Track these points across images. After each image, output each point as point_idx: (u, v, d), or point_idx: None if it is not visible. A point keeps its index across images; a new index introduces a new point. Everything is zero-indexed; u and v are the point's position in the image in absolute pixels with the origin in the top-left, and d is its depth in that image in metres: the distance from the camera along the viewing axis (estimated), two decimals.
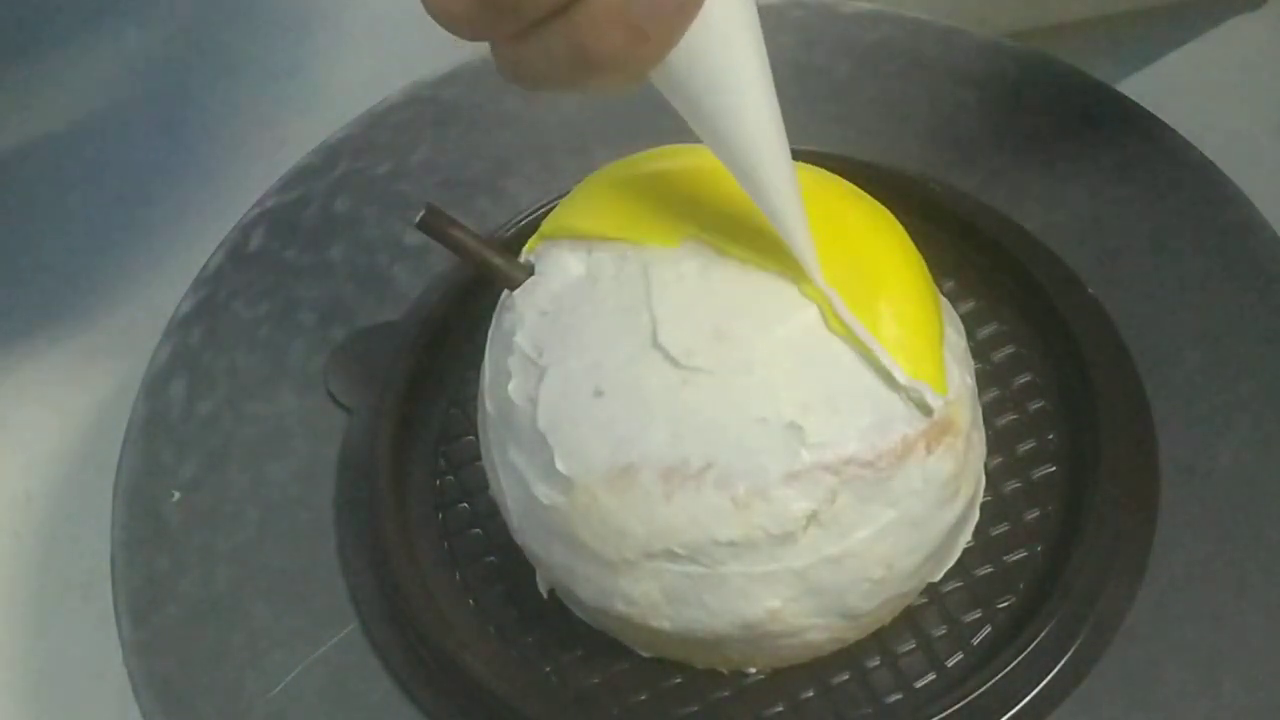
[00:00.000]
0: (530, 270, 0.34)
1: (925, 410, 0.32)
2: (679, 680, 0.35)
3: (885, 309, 0.32)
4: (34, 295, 0.47)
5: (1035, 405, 0.38)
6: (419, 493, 0.38)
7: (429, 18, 0.27)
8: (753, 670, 0.35)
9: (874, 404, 0.32)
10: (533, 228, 0.35)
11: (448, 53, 0.46)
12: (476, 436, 0.36)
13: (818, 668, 0.35)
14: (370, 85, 0.46)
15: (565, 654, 0.35)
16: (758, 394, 0.32)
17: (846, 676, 0.35)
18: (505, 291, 0.35)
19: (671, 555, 0.32)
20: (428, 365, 0.39)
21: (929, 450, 0.32)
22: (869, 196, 0.35)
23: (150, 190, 0.49)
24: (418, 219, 0.33)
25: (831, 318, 0.32)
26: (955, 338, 0.34)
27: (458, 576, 0.37)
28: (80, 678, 0.40)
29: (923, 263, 0.34)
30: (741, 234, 0.33)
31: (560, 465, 0.32)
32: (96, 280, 0.47)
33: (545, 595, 0.35)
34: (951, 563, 0.35)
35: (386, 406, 0.38)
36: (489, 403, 0.34)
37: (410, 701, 0.35)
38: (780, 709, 0.34)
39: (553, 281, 0.34)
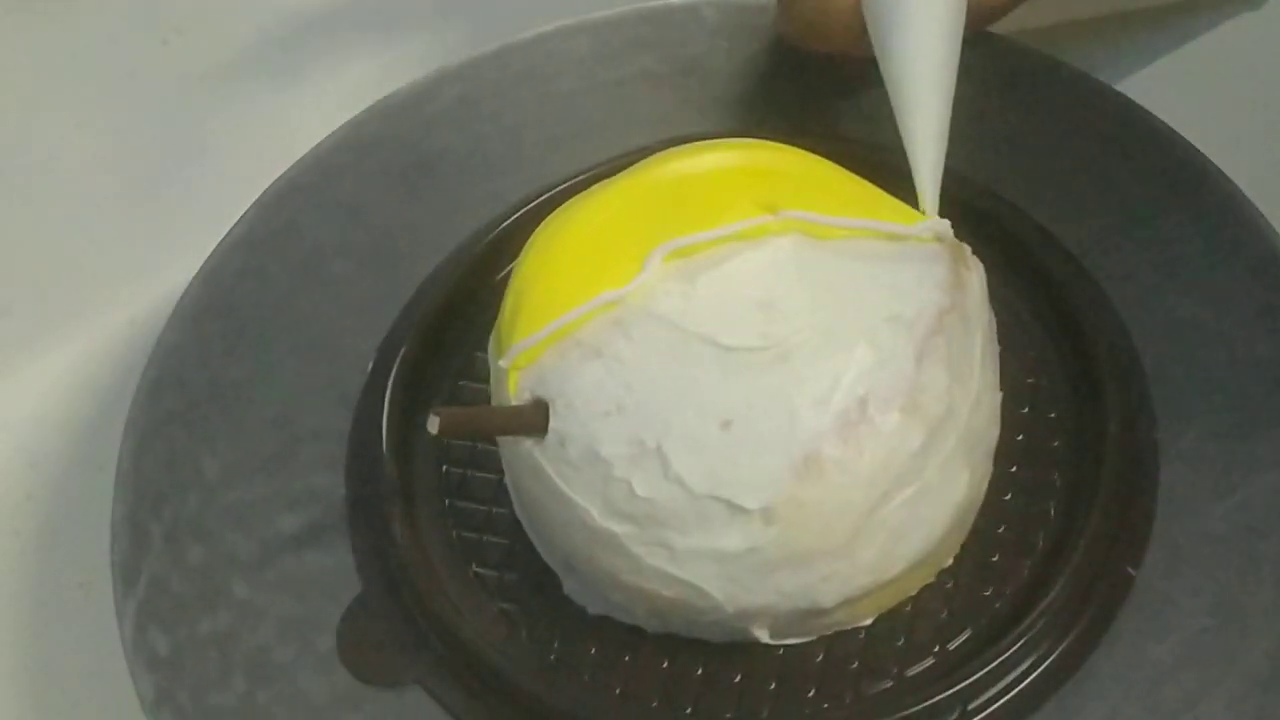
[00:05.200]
0: (544, 406, 0.33)
1: (941, 239, 0.34)
2: (902, 641, 0.34)
3: (840, 198, 0.34)
4: (34, 295, 0.47)
5: (1034, 380, 0.38)
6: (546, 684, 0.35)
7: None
8: (949, 562, 0.35)
9: (911, 262, 0.34)
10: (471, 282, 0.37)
11: (447, 53, 0.46)
12: (532, 636, 0.35)
13: (979, 534, 0.35)
14: (372, 84, 0.46)
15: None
16: (839, 321, 0.33)
17: (1003, 529, 0.35)
18: (524, 453, 0.34)
19: (887, 496, 0.32)
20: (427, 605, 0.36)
21: (968, 267, 0.34)
22: (752, 138, 0.36)
23: (150, 188, 0.49)
24: (435, 429, 0.32)
25: (817, 231, 0.33)
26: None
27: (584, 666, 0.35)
28: (80, 678, 0.39)
29: (818, 158, 0.36)
30: (693, 223, 0.34)
31: (748, 503, 0.31)
32: (97, 280, 0.47)
33: (768, 641, 0.34)
34: None
35: (452, 664, 0.35)
36: (614, 525, 0.33)
37: None
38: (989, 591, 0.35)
39: (581, 390, 0.33)
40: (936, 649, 0.34)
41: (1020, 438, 0.37)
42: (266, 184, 0.43)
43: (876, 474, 0.32)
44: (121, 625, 0.36)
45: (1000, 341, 0.37)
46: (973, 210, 0.39)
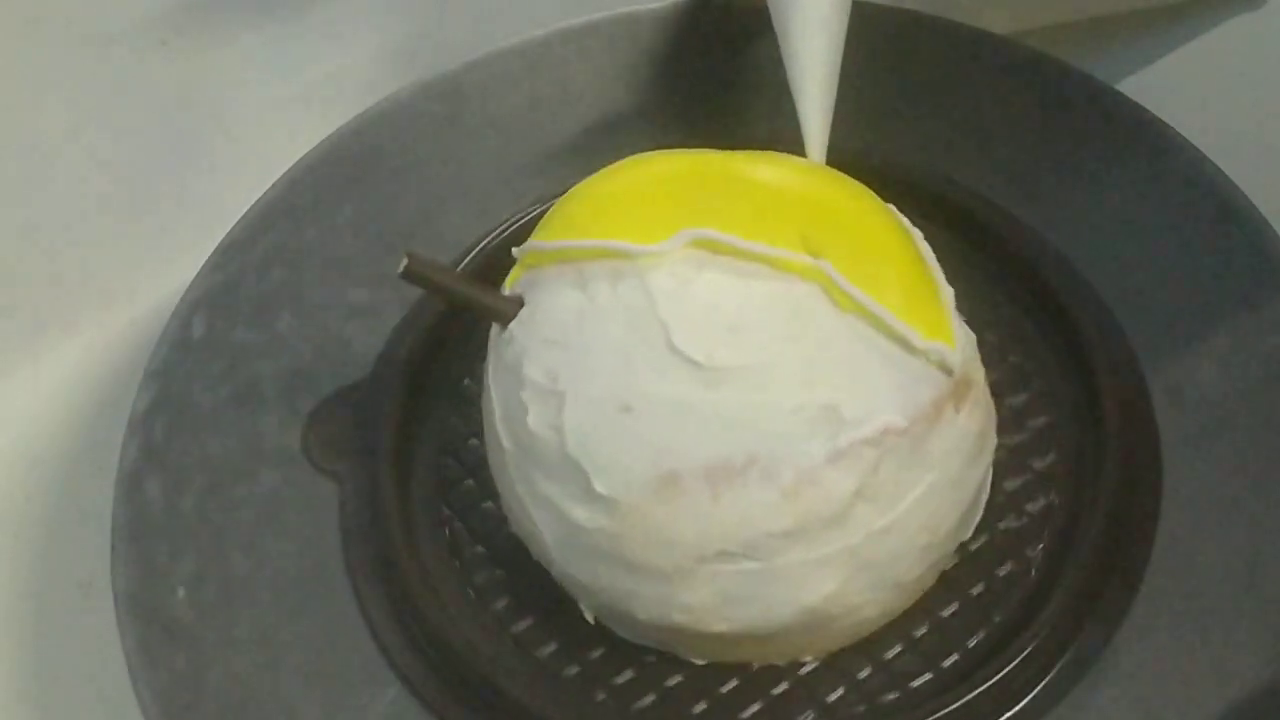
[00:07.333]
0: (520, 303, 0.34)
1: (947, 370, 0.33)
2: (736, 682, 0.35)
3: (886, 278, 0.33)
4: (34, 295, 0.47)
5: (1015, 357, 0.39)
6: (431, 544, 0.38)
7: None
8: (808, 659, 0.35)
9: (898, 372, 0.32)
10: (485, 263, 0.37)
11: (448, 55, 0.46)
12: (476, 480, 0.36)
13: (870, 645, 0.35)
14: (372, 84, 0.46)
15: (615, 677, 0.35)
16: (785, 381, 0.32)
17: (900, 648, 0.35)
18: (495, 329, 0.35)
19: (726, 555, 0.32)
20: (407, 417, 0.39)
21: (957, 409, 0.33)
22: (836, 171, 0.35)
23: (150, 189, 0.49)
24: (400, 269, 0.33)
25: (837, 295, 0.32)
26: (948, 293, 0.35)
27: (490, 620, 0.36)
28: (80, 678, 0.39)
29: (903, 226, 0.35)
30: (734, 225, 0.33)
31: (600, 487, 0.32)
32: (97, 280, 0.47)
33: (591, 622, 0.35)
34: (978, 519, 0.35)
35: (379, 464, 0.38)
36: (505, 439, 0.34)
37: None
38: (842, 691, 0.34)
39: (550, 309, 0.33)
40: None
41: (1005, 570, 0.36)
42: (266, 185, 0.43)
43: (722, 529, 0.32)
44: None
45: (1027, 410, 0.37)
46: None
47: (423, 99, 0.44)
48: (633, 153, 0.36)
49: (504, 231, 0.41)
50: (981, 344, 0.38)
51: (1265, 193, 0.40)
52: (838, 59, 0.36)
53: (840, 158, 0.37)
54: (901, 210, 0.35)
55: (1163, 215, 0.40)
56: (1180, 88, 0.46)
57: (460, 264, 0.41)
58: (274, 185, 0.43)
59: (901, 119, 0.43)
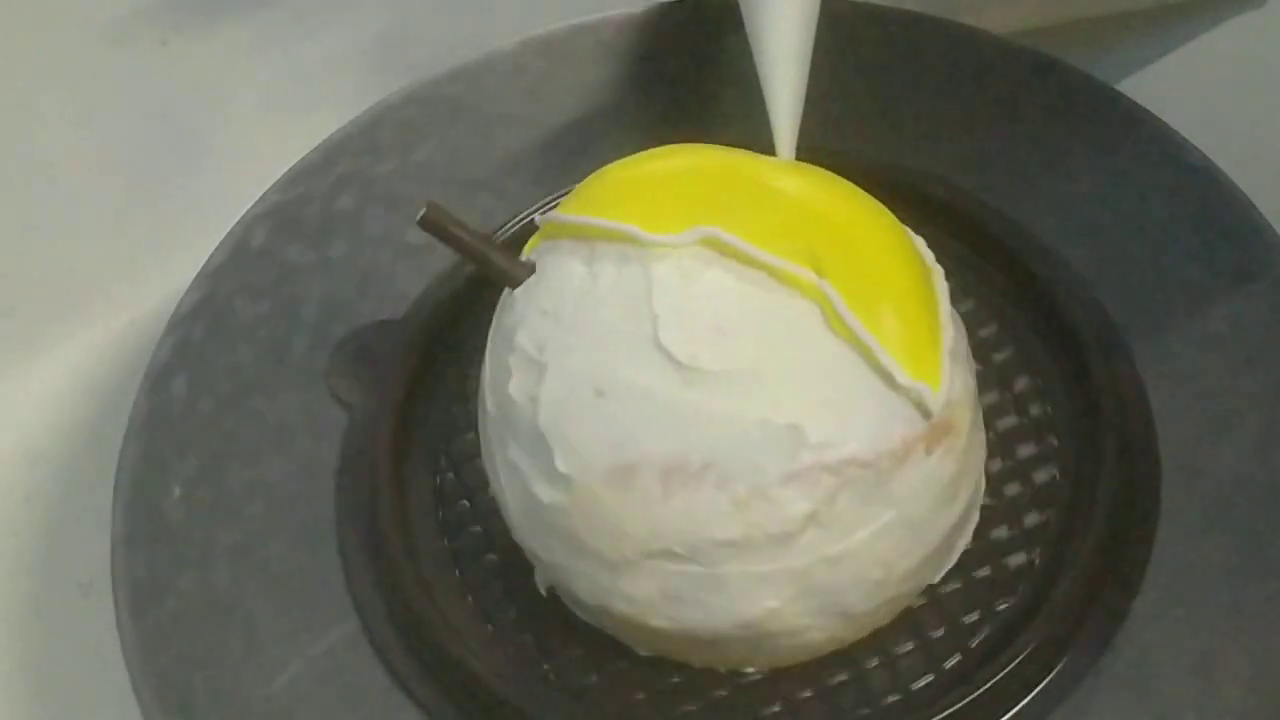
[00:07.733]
0: (531, 269, 0.34)
1: (925, 411, 0.32)
2: (677, 679, 0.35)
3: (886, 309, 0.32)
4: (34, 294, 0.47)
5: (1036, 409, 0.38)
6: (419, 490, 0.38)
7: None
8: (750, 670, 0.35)
9: (874, 404, 0.32)
10: (536, 226, 0.35)
11: (448, 55, 0.46)
12: (478, 434, 0.36)
13: (816, 668, 0.35)
14: (372, 85, 0.46)
15: (564, 652, 0.35)
16: (759, 394, 0.32)
17: (844, 677, 0.35)
18: (506, 290, 0.35)
19: (671, 555, 0.32)
20: (428, 362, 0.39)
21: (929, 451, 0.32)
22: (864, 193, 0.35)
23: (150, 189, 0.49)
24: (419, 216, 0.34)
25: (832, 318, 0.32)
26: (955, 336, 0.34)
27: (457, 574, 0.37)
28: (80, 678, 0.40)
29: (921, 260, 0.34)
30: (747, 230, 0.33)
31: (560, 464, 0.32)
32: (97, 280, 0.47)
33: (544, 594, 0.35)
34: (950, 565, 0.35)
35: (386, 403, 0.38)
36: (490, 401, 0.34)
37: (408, 697, 0.35)
38: (778, 709, 0.34)
39: (554, 281, 0.34)
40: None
41: (970, 619, 0.35)
42: (266, 185, 0.43)
43: (669, 527, 0.32)
44: (120, 619, 0.36)
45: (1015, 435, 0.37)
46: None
47: (524, 54, 0.45)
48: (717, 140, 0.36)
49: (558, 201, 0.40)
50: (1009, 390, 0.38)
51: (1265, 193, 0.40)
52: (807, 56, 0.36)
53: (839, 159, 0.36)
54: (902, 214, 0.35)
55: (1165, 215, 0.40)
56: (1180, 88, 0.46)
57: (507, 225, 0.41)
58: (360, 116, 0.44)
59: (900, 119, 0.43)
